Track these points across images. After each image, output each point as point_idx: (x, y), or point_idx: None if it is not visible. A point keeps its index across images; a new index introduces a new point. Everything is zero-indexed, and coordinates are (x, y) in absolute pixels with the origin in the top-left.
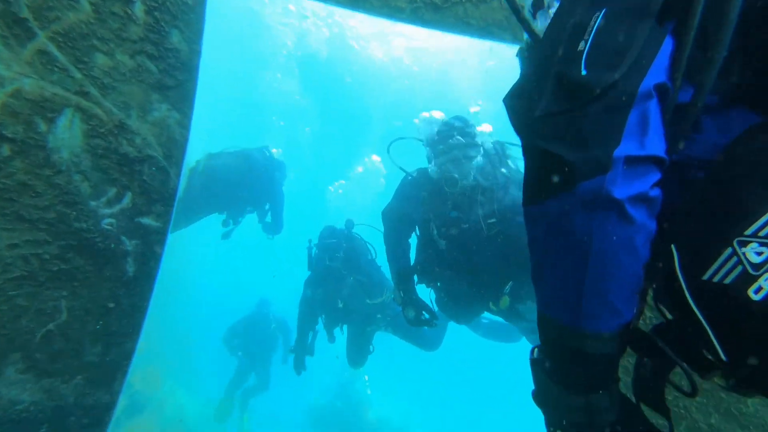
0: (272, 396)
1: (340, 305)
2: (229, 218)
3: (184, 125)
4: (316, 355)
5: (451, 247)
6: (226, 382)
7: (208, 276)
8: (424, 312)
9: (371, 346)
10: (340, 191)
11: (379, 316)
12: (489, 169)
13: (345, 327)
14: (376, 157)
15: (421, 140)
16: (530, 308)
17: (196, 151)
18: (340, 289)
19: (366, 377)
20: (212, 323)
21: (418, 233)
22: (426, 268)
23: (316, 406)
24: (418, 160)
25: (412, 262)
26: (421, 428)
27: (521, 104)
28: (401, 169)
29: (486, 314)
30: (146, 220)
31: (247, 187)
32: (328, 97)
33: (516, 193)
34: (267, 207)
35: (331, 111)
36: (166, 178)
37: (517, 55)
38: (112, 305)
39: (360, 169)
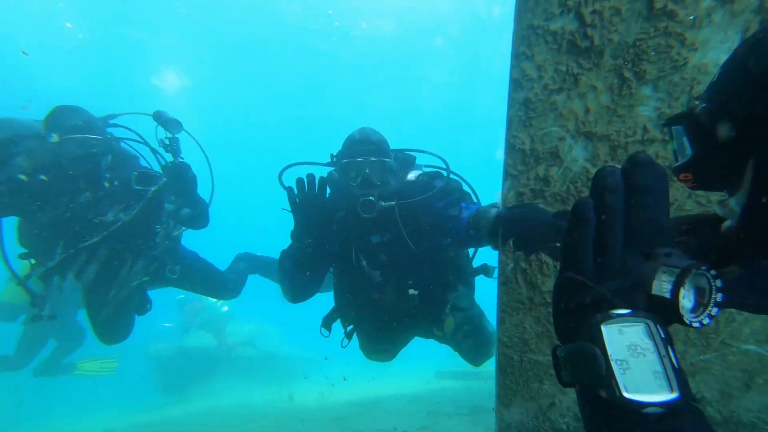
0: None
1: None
2: None
3: None
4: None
5: (388, 275)
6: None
7: None
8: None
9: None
10: None
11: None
12: (395, 181)
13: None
14: None
15: (322, 164)
16: (463, 294)
17: None
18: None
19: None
20: None
21: (335, 271)
22: (350, 312)
23: (158, 356)
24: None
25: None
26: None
27: None
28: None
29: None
30: None
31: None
32: None
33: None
34: None
35: None
36: None
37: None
38: None
39: None
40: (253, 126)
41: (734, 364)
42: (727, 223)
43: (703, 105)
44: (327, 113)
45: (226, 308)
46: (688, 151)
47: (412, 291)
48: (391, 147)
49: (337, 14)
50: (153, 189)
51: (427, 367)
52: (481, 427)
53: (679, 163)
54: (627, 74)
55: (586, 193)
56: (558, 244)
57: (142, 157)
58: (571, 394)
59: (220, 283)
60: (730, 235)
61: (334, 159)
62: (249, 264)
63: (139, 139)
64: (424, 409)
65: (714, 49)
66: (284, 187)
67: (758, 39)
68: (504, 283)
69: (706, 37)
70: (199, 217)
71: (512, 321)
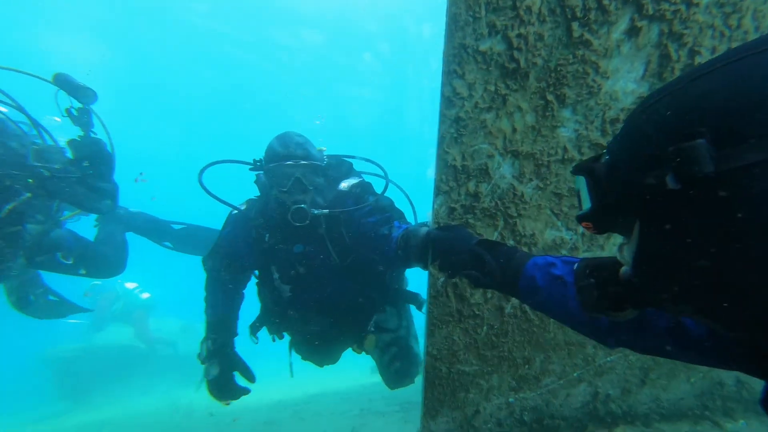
0: None
1: None
2: None
3: None
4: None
5: (299, 291)
6: None
7: None
8: (235, 372)
9: None
10: None
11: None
12: (327, 189)
13: None
14: None
15: (247, 164)
16: (390, 314)
17: None
18: None
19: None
20: None
21: (257, 279)
22: (272, 321)
23: (59, 358)
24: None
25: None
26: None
27: None
28: (223, 202)
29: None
30: None
31: None
32: None
33: (360, 214)
34: None
35: None
36: None
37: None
38: None
39: None
40: (162, 124)
41: (634, 363)
42: (624, 268)
43: (606, 158)
44: (246, 119)
45: (146, 294)
46: (587, 203)
47: (324, 312)
48: (327, 153)
49: (262, 22)
50: (8, 207)
51: (363, 360)
52: (411, 425)
53: (580, 212)
54: (549, 97)
55: (512, 209)
56: (474, 272)
57: (16, 124)
58: (494, 400)
59: (101, 261)
60: (625, 282)
61: (259, 164)
62: (118, 226)
63: (12, 103)
64: (357, 407)
65: (623, 78)
66: (207, 192)
67: (650, 104)
68: (435, 297)
69: (616, 66)
70: (107, 204)
71: (441, 333)
